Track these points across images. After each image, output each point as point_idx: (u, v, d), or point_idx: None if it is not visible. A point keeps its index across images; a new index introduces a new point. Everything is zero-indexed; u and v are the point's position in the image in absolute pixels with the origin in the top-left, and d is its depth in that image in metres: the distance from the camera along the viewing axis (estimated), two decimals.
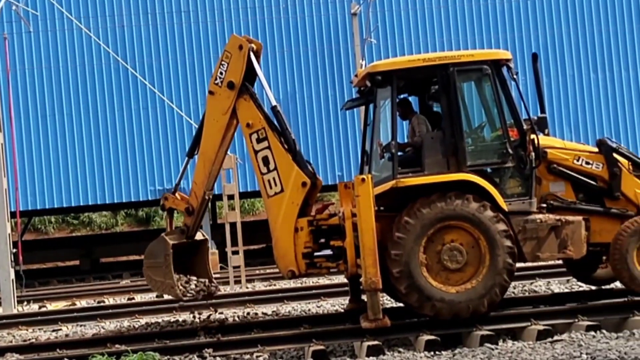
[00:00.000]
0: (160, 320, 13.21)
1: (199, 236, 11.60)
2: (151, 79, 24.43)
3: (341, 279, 15.27)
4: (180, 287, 10.99)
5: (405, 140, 11.17)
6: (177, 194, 11.39)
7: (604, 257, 11.20)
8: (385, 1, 25.23)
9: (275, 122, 11.01)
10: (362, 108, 11.89)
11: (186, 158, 11.63)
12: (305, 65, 25.16)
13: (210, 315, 13.02)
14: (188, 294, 11.15)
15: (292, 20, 25.19)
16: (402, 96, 11.20)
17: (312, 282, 16.95)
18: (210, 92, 11.04)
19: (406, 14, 25.26)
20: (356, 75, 11.48)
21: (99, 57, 24.56)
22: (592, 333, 9.62)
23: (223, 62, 10.93)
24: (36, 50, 24.66)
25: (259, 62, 11.05)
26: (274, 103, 11.00)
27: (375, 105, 10.71)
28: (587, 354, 8.57)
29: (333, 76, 25.21)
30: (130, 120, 24.82)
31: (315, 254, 10.68)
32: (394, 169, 10.32)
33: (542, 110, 11.51)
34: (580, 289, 12.64)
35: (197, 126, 11.90)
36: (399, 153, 10.53)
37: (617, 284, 11.45)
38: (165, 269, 10.92)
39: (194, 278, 11.35)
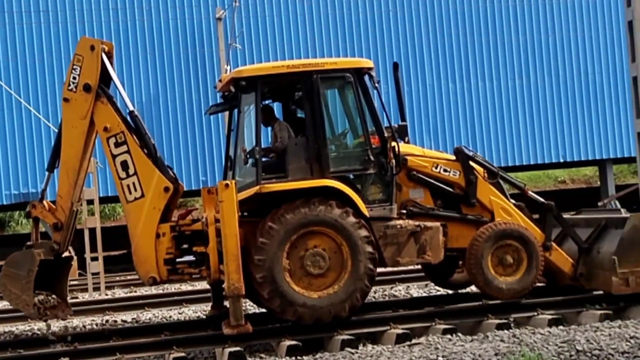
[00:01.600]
0: (14, 329, 12.73)
1: (66, 253, 11.16)
2: (7, 81, 23.57)
3: (204, 285, 15.14)
4: (37, 306, 10.54)
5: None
6: (45, 202, 10.87)
7: (461, 262, 11.56)
8: (250, 6, 25.25)
9: (134, 127, 10.76)
10: (226, 113, 11.83)
11: (47, 173, 11.09)
12: (169, 69, 24.86)
13: (67, 323, 12.64)
14: (42, 315, 10.68)
15: (156, 23, 24.86)
16: (265, 102, 11.22)
17: (174, 289, 16.73)
18: (65, 100, 10.60)
19: (271, 20, 25.36)
20: (220, 81, 11.42)
21: None
22: (449, 336, 9.88)
23: (75, 66, 10.52)
24: None
25: (112, 65, 10.76)
26: (131, 107, 10.74)
27: (240, 110, 10.68)
28: (443, 356, 8.80)
29: (197, 81, 25.02)
30: None
31: (178, 260, 10.52)
32: (257, 174, 10.32)
33: (403, 119, 11.77)
34: (438, 293, 13.00)
35: (55, 129, 11.43)
36: (263, 159, 10.54)
37: (473, 288, 11.83)
38: (25, 283, 10.41)
39: (53, 297, 10.89)
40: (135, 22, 24.71)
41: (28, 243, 10.82)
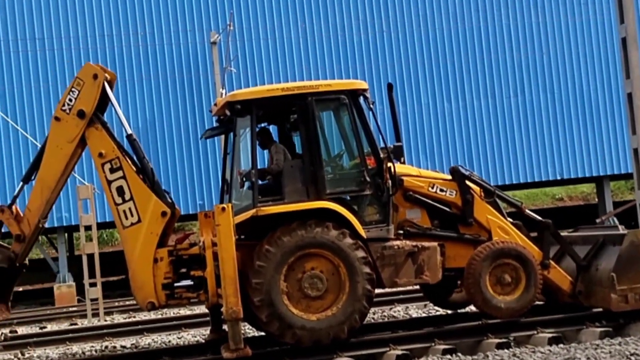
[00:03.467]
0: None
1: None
2: (3, 108, 23.64)
3: (202, 309, 15.09)
4: None
5: None
6: (14, 209, 10.75)
7: (459, 282, 11.53)
8: (244, 30, 25.35)
9: (131, 151, 10.76)
10: (222, 137, 11.84)
11: (21, 183, 11.02)
12: (165, 93, 24.93)
13: (66, 349, 12.58)
14: None
15: (151, 48, 24.94)
16: (261, 125, 11.23)
17: (173, 313, 16.67)
18: (56, 118, 10.57)
19: (266, 43, 25.45)
20: (215, 104, 11.43)
21: None
22: (449, 356, 9.85)
23: (74, 89, 10.51)
24: None
25: (112, 91, 10.78)
26: (129, 131, 10.74)
27: (235, 134, 10.69)
28: None
29: (193, 105, 25.07)
30: None
31: (176, 284, 10.50)
32: (254, 197, 10.32)
33: (398, 139, 11.78)
34: (437, 313, 12.95)
35: (38, 144, 11.37)
36: (259, 182, 10.54)
37: (472, 308, 11.80)
38: None
39: None
40: (130, 47, 24.80)
41: None
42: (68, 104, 10.51)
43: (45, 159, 10.64)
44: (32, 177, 10.86)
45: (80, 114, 10.48)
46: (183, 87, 25.03)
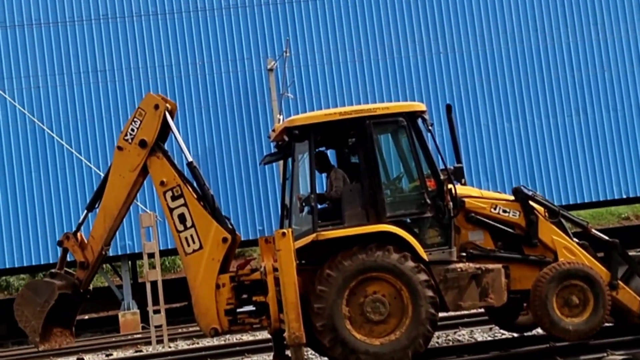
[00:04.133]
0: None
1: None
2: (68, 139, 24.07)
3: (265, 334, 15.07)
4: (40, 335, 10.58)
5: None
6: (78, 236, 10.97)
7: (525, 304, 11.31)
8: (300, 56, 25.47)
9: (192, 179, 10.87)
10: (281, 162, 11.86)
11: (85, 211, 11.25)
12: (224, 121, 25.14)
13: None
14: (45, 343, 10.74)
15: (209, 77, 25.21)
16: (319, 149, 11.22)
17: (236, 339, 16.70)
18: (119, 148, 10.78)
19: (322, 68, 25.53)
20: (274, 130, 11.47)
21: (14, 118, 24.18)
22: None
23: (136, 119, 10.71)
24: None
25: (173, 121, 10.91)
26: (190, 159, 10.86)
27: (294, 159, 10.70)
28: None
29: (251, 131, 25.23)
30: (48, 180, 24.35)
31: (238, 310, 10.51)
32: (314, 222, 10.29)
33: (458, 160, 11.66)
34: (503, 336, 12.73)
35: (101, 174, 11.51)
36: (319, 206, 10.51)
37: (539, 331, 11.57)
38: (39, 311, 10.60)
39: (59, 329, 10.92)
40: (189, 77, 25.10)
41: (52, 271, 10.95)
42: (130, 134, 10.71)
43: (108, 188, 10.85)
44: (96, 205, 11.05)
45: (142, 144, 10.66)
46: (241, 114, 25.23)
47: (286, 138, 10.76)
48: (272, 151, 12.04)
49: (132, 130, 10.71)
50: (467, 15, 26.09)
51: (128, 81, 24.78)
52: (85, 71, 24.79)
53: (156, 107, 10.73)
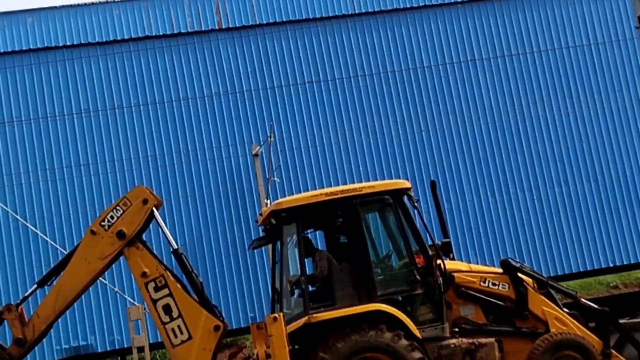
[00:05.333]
0: None
1: None
2: (52, 235, 23.98)
3: None
4: None
5: None
6: (20, 310, 10.48)
7: None
8: (285, 140, 25.69)
9: (179, 267, 10.68)
10: (270, 246, 11.88)
11: (35, 285, 10.80)
12: (210, 208, 25.16)
13: None
14: None
15: (194, 165, 25.32)
16: (306, 232, 11.27)
17: None
18: (92, 232, 10.42)
19: (306, 150, 25.73)
20: (261, 214, 11.53)
21: None
22: None
23: (118, 208, 10.42)
24: None
25: (158, 214, 10.70)
26: (175, 246, 10.64)
27: (282, 242, 10.74)
28: None
29: (239, 217, 25.24)
30: (32, 277, 24.12)
31: None
32: (305, 304, 10.28)
33: (446, 235, 11.74)
34: None
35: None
36: (309, 288, 10.51)
37: None
38: None
39: None
40: (174, 165, 25.22)
41: None
42: (109, 221, 10.38)
43: (69, 269, 10.37)
44: (49, 283, 10.62)
45: (120, 235, 10.34)
46: (228, 200, 25.29)
47: (274, 221, 10.82)
48: (260, 235, 12.07)
49: (112, 217, 10.38)
50: (445, 93, 26.50)
51: (112, 173, 24.84)
52: (68, 165, 24.86)
53: (145, 201, 10.47)
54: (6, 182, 24.45)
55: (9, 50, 25.38)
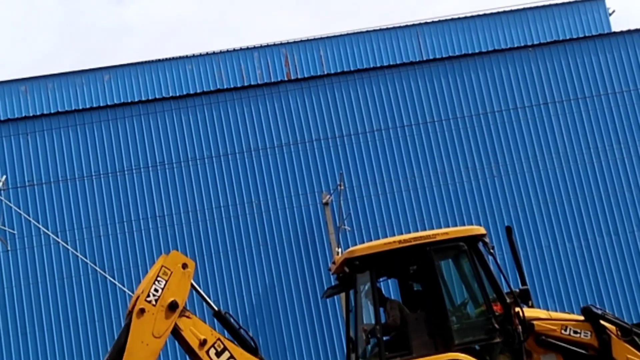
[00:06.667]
0: None
1: None
2: (130, 286, 24.28)
3: None
4: None
5: None
6: None
7: None
8: (355, 188, 25.68)
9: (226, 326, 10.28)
10: (343, 295, 11.78)
11: None
12: (283, 258, 25.20)
13: None
14: None
15: (266, 215, 25.45)
16: (380, 279, 11.15)
17: None
18: (141, 310, 9.55)
19: (376, 198, 25.66)
20: (334, 262, 11.46)
21: (77, 269, 24.56)
22: None
23: (160, 279, 9.71)
24: (14, 267, 24.61)
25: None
26: (216, 309, 10.23)
27: (356, 290, 10.62)
28: None
29: (311, 266, 25.22)
30: (111, 328, 24.42)
31: None
32: (381, 354, 10.11)
33: (523, 282, 11.47)
34: None
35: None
36: (385, 337, 10.35)
37: None
38: None
39: None
40: (246, 216, 25.39)
41: None
42: (154, 294, 9.65)
43: (128, 356, 9.50)
44: None
45: (172, 306, 9.68)
46: (299, 249, 25.31)
47: (347, 269, 10.72)
48: (334, 284, 11.98)
49: (156, 290, 9.64)
50: (517, 138, 26.22)
51: (187, 225, 25.12)
52: (145, 218, 25.24)
53: (184, 266, 9.94)
54: (85, 234, 24.93)
55: (87, 107, 26.03)
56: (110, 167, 25.46)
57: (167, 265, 9.92)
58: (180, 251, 24.89)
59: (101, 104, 26.63)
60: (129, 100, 26.41)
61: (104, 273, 23.40)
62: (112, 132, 25.59)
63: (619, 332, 10.72)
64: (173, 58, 33.28)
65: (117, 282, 23.54)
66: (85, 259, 22.99)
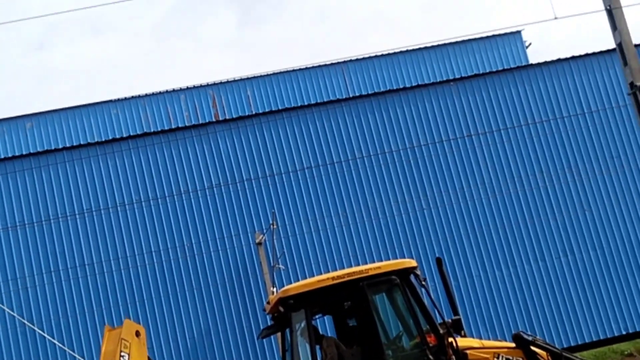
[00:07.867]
0: None
1: None
2: (59, 337, 23.80)
3: None
4: None
5: None
6: None
7: None
8: (287, 226, 25.73)
9: None
10: (279, 334, 11.79)
11: None
12: (217, 300, 25.03)
13: None
14: None
15: (199, 257, 25.29)
16: (315, 317, 11.19)
17: None
18: None
19: (309, 236, 25.75)
20: (268, 302, 11.46)
21: (3, 321, 24.00)
22: None
23: (123, 353, 9.90)
24: None
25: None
26: None
27: (291, 329, 10.64)
28: None
29: (246, 306, 25.09)
30: None
31: None
32: None
33: (455, 312, 11.64)
34: None
35: None
36: None
37: None
38: None
39: None
40: (178, 259, 25.19)
41: None
42: None
43: None
44: None
45: None
46: (234, 291, 25.18)
47: (281, 309, 10.74)
48: (269, 324, 11.97)
49: None
50: (444, 170, 26.65)
51: (117, 271, 24.79)
52: (73, 266, 24.83)
53: (137, 333, 10.24)
54: (11, 286, 24.38)
55: (9, 155, 25.64)
56: (36, 216, 25.02)
57: (125, 337, 10.11)
58: (110, 299, 24.62)
59: (23, 152, 26.16)
60: (53, 148, 26.03)
61: (32, 326, 22.89)
62: (35, 181, 25.20)
63: (549, 358, 10.94)
64: (97, 103, 33.00)
65: (46, 334, 23.04)
66: (12, 312, 22.46)
